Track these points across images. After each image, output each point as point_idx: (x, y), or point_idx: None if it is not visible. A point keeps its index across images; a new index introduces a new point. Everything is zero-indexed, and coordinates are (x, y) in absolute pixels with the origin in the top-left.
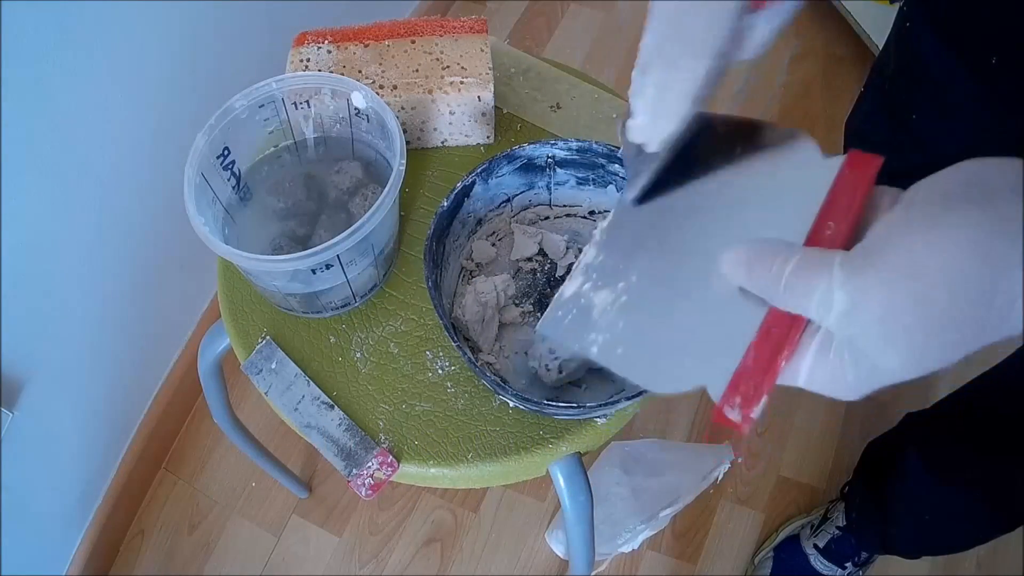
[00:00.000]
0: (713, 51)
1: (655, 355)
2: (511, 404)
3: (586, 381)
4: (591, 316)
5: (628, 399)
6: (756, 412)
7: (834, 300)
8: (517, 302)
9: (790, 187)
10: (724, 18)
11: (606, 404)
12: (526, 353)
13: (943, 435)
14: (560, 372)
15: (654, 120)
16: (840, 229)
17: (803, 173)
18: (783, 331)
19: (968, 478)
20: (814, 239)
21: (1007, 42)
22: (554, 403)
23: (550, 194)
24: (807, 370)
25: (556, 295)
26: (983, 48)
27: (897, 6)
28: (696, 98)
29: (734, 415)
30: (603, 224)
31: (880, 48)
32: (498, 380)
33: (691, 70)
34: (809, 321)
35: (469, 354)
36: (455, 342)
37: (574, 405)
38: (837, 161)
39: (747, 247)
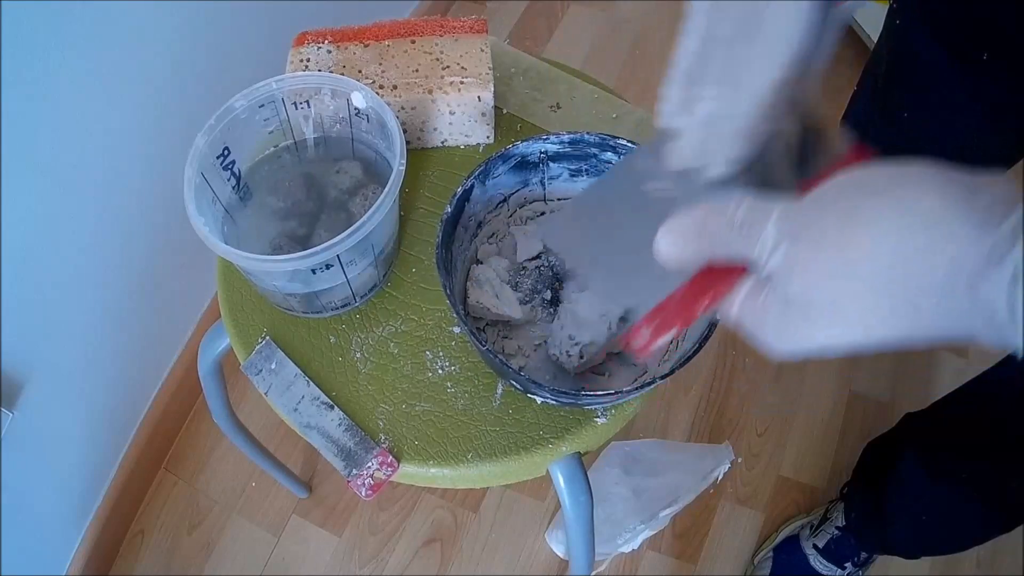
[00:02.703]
0: (794, 52)
1: (615, 271)
2: (541, 401)
3: (608, 368)
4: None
5: (661, 378)
6: (659, 343)
7: (770, 232)
8: (529, 299)
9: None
10: (808, 7)
11: (642, 387)
12: (545, 343)
13: (941, 436)
14: (581, 357)
15: (707, 144)
16: None
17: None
18: (710, 281)
19: (966, 478)
20: None
21: (997, 37)
22: (591, 392)
23: (544, 189)
24: (738, 305)
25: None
26: (974, 44)
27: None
28: (768, 117)
29: (641, 338)
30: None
31: (875, 45)
32: (531, 380)
33: (765, 76)
34: (745, 272)
35: (502, 358)
36: (482, 346)
37: (611, 392)
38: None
39: (694, 209)
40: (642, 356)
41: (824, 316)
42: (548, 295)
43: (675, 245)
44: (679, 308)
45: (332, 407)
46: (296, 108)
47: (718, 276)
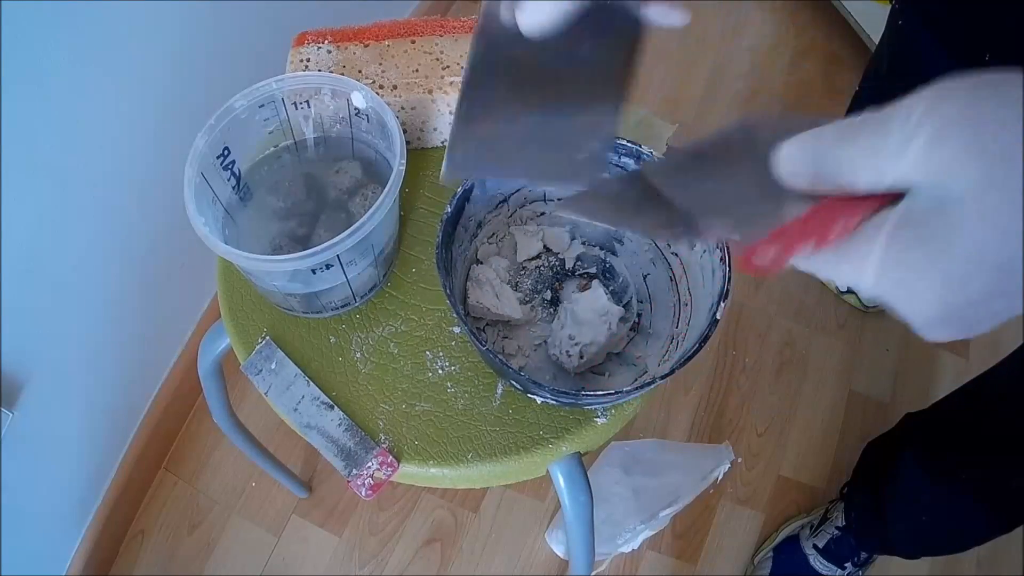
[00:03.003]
0: None
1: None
2: (541, 401)
3: (608, 368)
4: None
5: (661, 378)
6: (788, 260)
7: (914, 119)
8: (529, 299)
9: None
10: None
11: (642, 387)
12: (545, 342)
13: (942, 436)
14: (581, 357)
15: None
16: None
17: None
18: (844, 203)
19: (966, 479)
20: None
21: (999, 39)
22: (591, 392)
23: (544, 189)
24: (877, 260)
25: None
26: (976, 45)
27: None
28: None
29: (765, 256)
30: None
31: (875, 45)
32: (531, 380)
33: None
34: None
35: (502, 358)
36: (482, 346)
37: (611, 392)
38: None
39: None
40: (767, 275)
41: (983, 215)
42: (548, 295)
43: (798, 152)
44: (812, 224)
45: (332, 407)
46: (296, 108)
47: (852, 202)
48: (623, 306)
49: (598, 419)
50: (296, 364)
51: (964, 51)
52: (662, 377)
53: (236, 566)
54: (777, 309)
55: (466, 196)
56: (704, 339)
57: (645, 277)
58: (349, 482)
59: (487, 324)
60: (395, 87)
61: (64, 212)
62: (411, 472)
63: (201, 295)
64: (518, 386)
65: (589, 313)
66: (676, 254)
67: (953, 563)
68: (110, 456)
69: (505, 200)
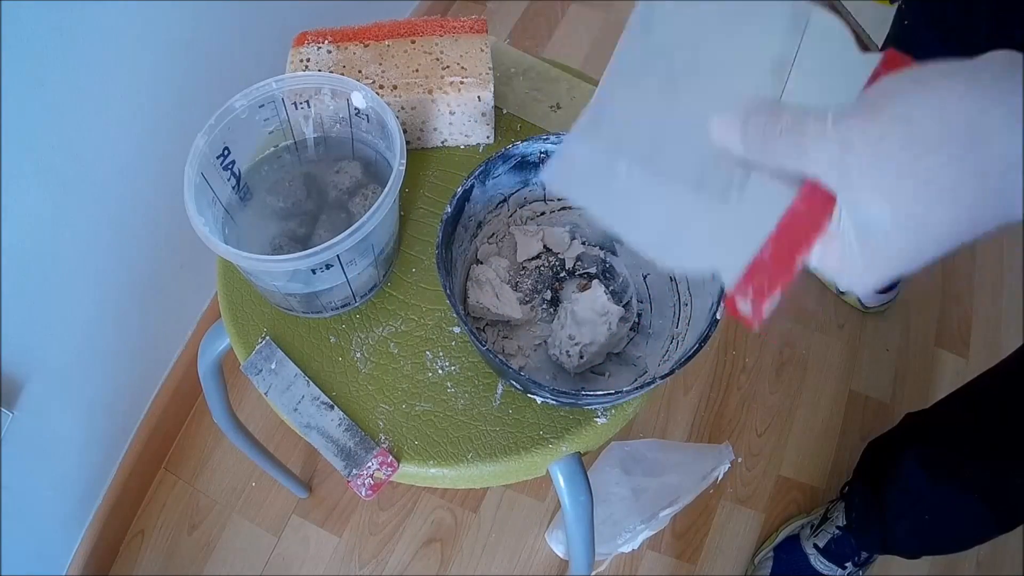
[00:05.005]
0: None
1: (669, 228)
2: (541, 401)
3: (608, 368)
4: (602, 174)
5: (661, 378)
6: (768, 308)
7: (826, 146)
8: (529, 299)
9: (827, 76)
10: None
11: (642, 387)
12: (545, 342)
13: (942, 435)
14: (581, 357)
15: None
16: None
17: (835, 63)
18: (804, 226)
19: (967, 478)
20: None
21: (1005, 41)
22: (591, 392)
23: (544, 189)
24: (818, 248)
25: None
26: (981, 47)
27: (896, 6)
28: None
29: (744, 307)
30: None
31: (879, 47)
32: (531, 380)
33: None
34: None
35: (502, 358)
36: (482, 346)
37: (611, 392)
38: (874, 59)
39: (740, 105)
40: (756, 327)
41: (906, 219)
42: (548, 295)
43: (722, 138)
44: (776, 265)
45: (332, 407)
46: (296, 108)
47: (805, 220)
48: (623, 306)
49: (598, 419)
50: (296, 364)
51: (970, 53)
52: (662, 377)
53: (236, 566)
54: (777, 309)
55: (466, 196)
56: (704, 339)
57: (645, 277)
58: (349, 482)
59: (487, 324)
60: (395, 87)
61: (64, 212)
62: (411, 472)
63: (201, 295)
64: (518, 386)
65: (589, 313)
66: None
67: (953, 563)
68: (110, 456)
69: (505, 200)
